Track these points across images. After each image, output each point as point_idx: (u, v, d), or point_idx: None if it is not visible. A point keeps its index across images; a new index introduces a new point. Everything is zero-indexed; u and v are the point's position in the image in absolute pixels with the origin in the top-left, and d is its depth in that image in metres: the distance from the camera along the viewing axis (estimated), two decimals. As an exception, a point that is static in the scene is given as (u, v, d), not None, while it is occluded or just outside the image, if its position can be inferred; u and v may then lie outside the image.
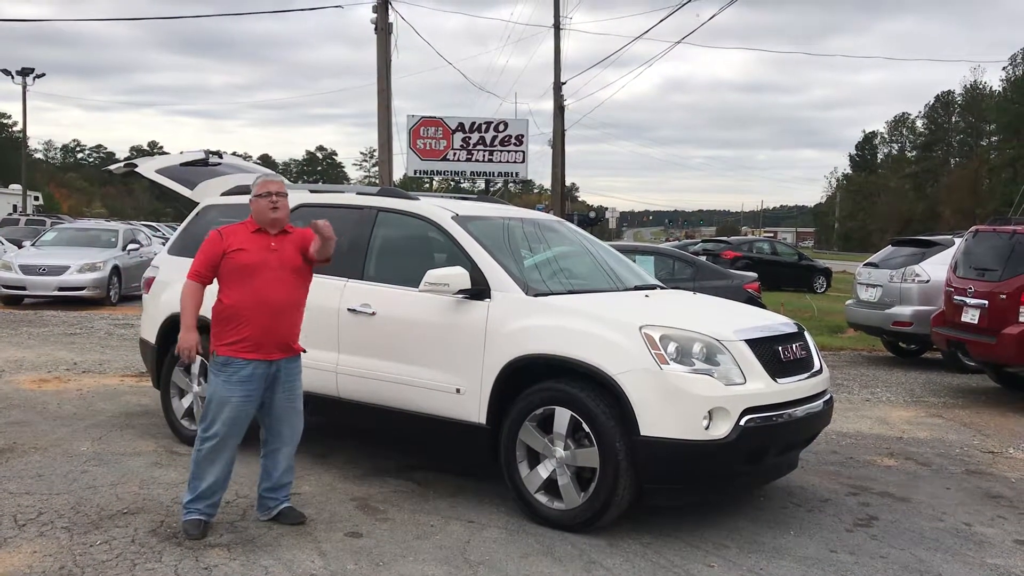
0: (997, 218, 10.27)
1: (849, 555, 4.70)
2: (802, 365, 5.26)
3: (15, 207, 44.47)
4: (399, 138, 25.73)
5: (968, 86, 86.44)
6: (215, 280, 4.70)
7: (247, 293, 4.60)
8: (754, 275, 12.36)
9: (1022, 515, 5.55)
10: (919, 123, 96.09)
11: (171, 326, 6.42)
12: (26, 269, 16.21)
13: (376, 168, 29.44)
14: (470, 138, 28.11)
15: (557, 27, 31.93)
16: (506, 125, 28.62)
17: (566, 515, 4.84)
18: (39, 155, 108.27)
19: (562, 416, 4.84)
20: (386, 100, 20.59)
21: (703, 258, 14.61)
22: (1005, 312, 8.78)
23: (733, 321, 5.24)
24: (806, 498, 5.69)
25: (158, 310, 6.68)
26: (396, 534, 4.75)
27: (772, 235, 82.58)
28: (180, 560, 4.27)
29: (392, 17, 20.34)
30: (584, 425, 4.75)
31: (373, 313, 5.61)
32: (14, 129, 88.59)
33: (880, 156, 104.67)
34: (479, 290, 5.24)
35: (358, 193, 6.49)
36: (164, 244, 9.74)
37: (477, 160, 28.30)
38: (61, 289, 16.19)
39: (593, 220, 42.95)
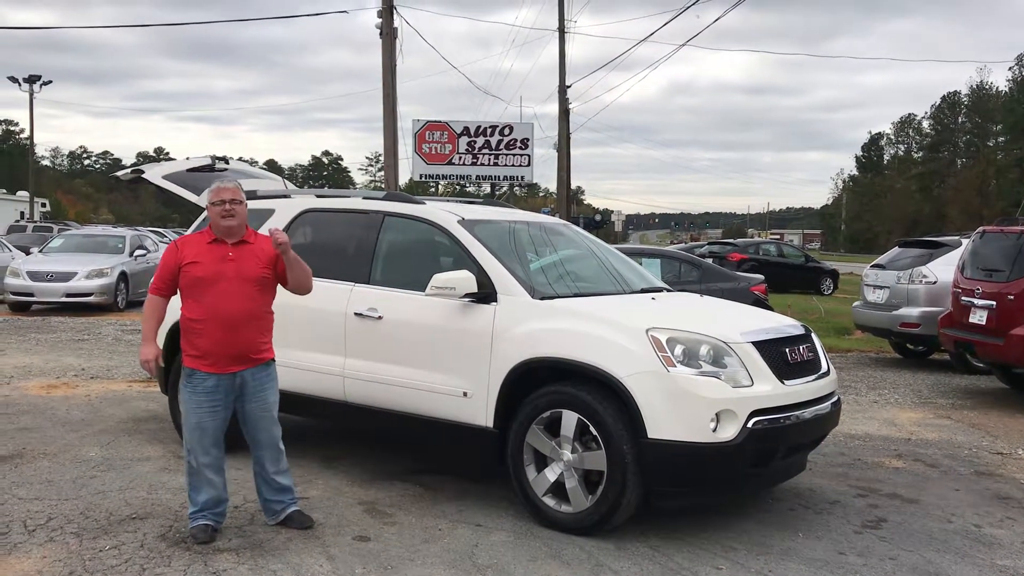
0: (1004, 219, 10.23)
1: (858, 557, 4.68)
2: (809, 367, 5.25)
3: (22, 214, 44.64)
4: (404, 142, 25.78)
5: (974, 87, 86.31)
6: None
7: (202, 307, 4.55)
8: (760, 277, 12.35)
9: (1032, 516, 5.52)
10: (925, 124, 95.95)
11: (178, 332, 6.41)
12: (34, 276, 16.28)
13: (381, 172, 29.46)
14: (475, 142, 28.14)
15: (562, 31, 31.94)
16: (511, 129, 28.66)
17: (574, 518, 4.83)
18: (46, 162, 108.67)
19: (569, 419, 4.83)
20: (391, 104, 20.62)
21: (709, 260, 14.60)
22: (1013, 313, 8.75)
23: (740, 323, 5.23)
24: (814, 500, 5.67)
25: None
26: (404, 538, 4.75)
27: (778, 237, 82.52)
28: (189, 565, 4.28)
29: (397, 22, 20.37)
30: (591, 428, 4.75)
31: (380, 317, 5.62)
32: (21, 136, 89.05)
33: (886, 157, 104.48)
34: (485, 294, 5.25)
35: (364, 198, 6.50)
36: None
37: (482, 164, 28.34)
38: (69, 295, 16.24)
39: (599, 223, 42.93)
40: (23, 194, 48.65)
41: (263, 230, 4.93)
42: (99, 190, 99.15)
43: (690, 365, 4.69)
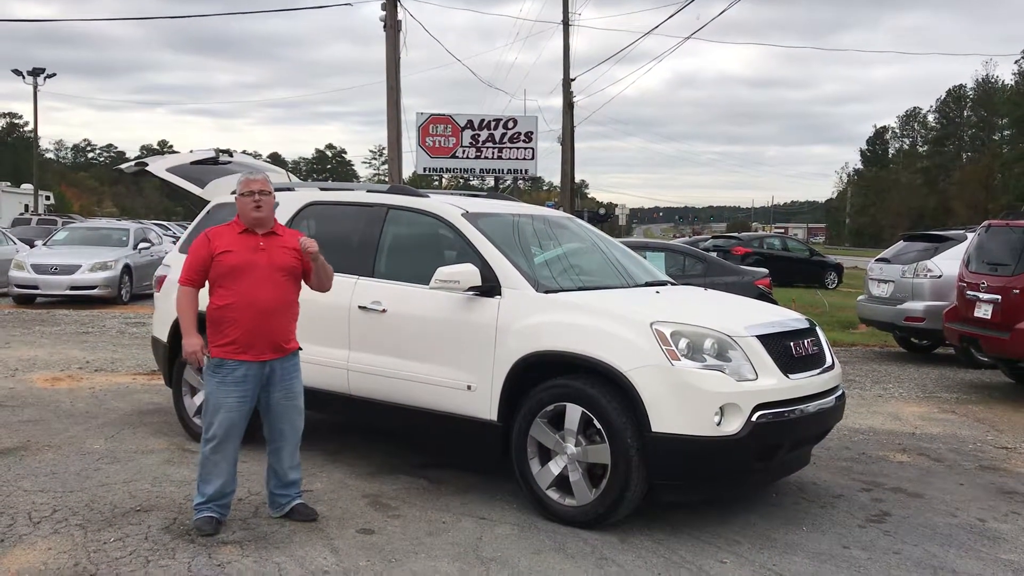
0: (1010, 212, 10.20)
1: (862, 551, 4.68)
2: (814, 361, 5.24)
3: (27, 207, 44.67)
4: (408, 136, 25.78)
5: (980, 80, 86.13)
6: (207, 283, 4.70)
7: (235, 294, 4.59)
8: (765, 271, 12.34)
9: (1036, 511, 5.52)
10: (931, 118, 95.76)
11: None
12: (38, 268, 16.30)
13: (385, 166, 29.47)
14: (479, 135, 28.10)
15: (566, 23, 31.87)
16: (515, 122, 28.60)
17: (578, 511, 4.84)
18: (50, 155, 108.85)
19: (573, 412, 4.83)
20: (395, 98, 20.60)
21: (714, 254, 14.58)
22: (1018, 307, 8.72)
23: (744, 317, 5.22)
24: (818, 494, 5.67)
25: (169, 308, 6.66)
26: (408, 531, 4.76)
27: (783, 231, 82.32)
28: (193, 557, 4.29)
29: (401, 14, 20.34)
30: (595, 421, 4.74)
31: (384, 310, 5.62)
32: (26, 129, 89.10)
33: (891, 151, 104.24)
34: (490, 287, 5.24)
35: (368, 191, 6.50)
36: (175, 243, 9.77)
37: (486, 157, 28.29)
38: (73, 288, 16.27)
39: (603, 217, 42.86)
40: (27, 187, 48.69)
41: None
42: (103, 183, 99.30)
43: (694, 359, 4.69)
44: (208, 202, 7.21)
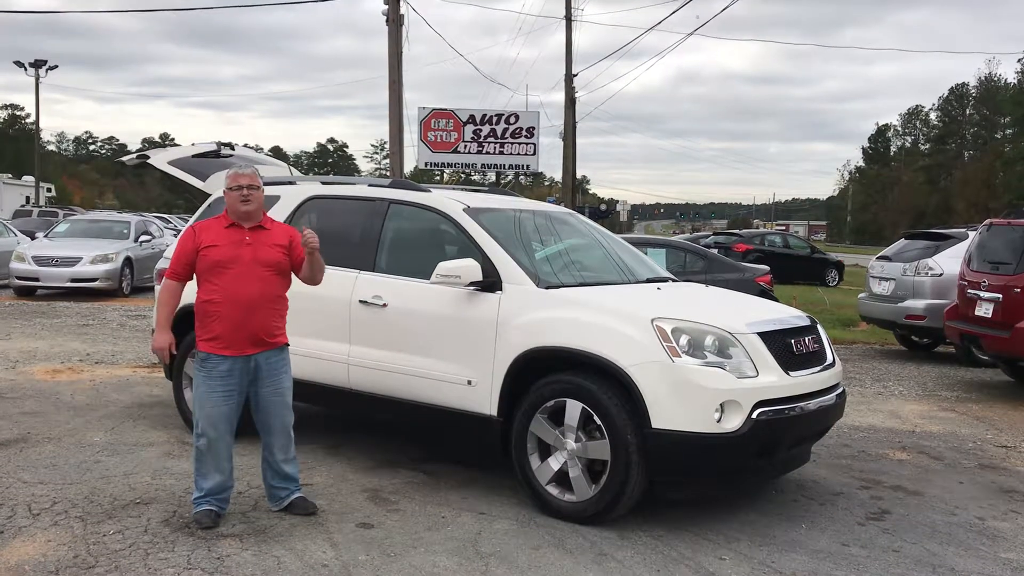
0: (1012, 211, 10.19)
1: (861, 549, 4.68)
2: (815, 358, 5.24)
3: (28, 199, 44.62)
4: (410, 130, 25.74)
5: (983, 78, 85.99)
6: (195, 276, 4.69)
7: (219, 289, 4.58)
8: (766, 268, 12.32)
9: (1036, 510, 5.52)
10: (933, 116, 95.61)
11: (183, 317, 6.43)
12: (39, 260, 16.30)
13: (387, 160, 29.44)
14: (481, 130, 28.06)
15: (569, 19, 31.84)
16: (517, 117, 28.56)
17: (577, 507, 4.84)
18: (52, 147, 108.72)
19: (573, 408, 4.83)
20: (397, 92, 20.58)
21: (715, 251, 14.57)
22: (1019, 306, 8.71)
23: (745, 314, 5.22)
24: (818, 492, 5.67)
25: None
26: (407, 525, 4.76)
27: (784, 228, 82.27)
28: (193, 550, 4.29)
29: (403, 9, 20.32)
30: (595, 417, 4.74)
31: (384, 305, 5.62)
32: (27, 121, 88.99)
33: (893, 149, 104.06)
34: (491, 282, 5.24)
35: (369, 185, 6.49)
36: (176, 236, 9.76)
37: (488, 152, 28.25)
38: (74, 280, 16.27)
39: (604, 213, 42.85)
40: (29, 179, 48.63)
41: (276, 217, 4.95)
42: (104, 175, 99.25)
43: (695, 355, 4.68)
44: (209, 195, 7.20)
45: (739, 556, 4.50)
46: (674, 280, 6.32)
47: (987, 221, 10.19)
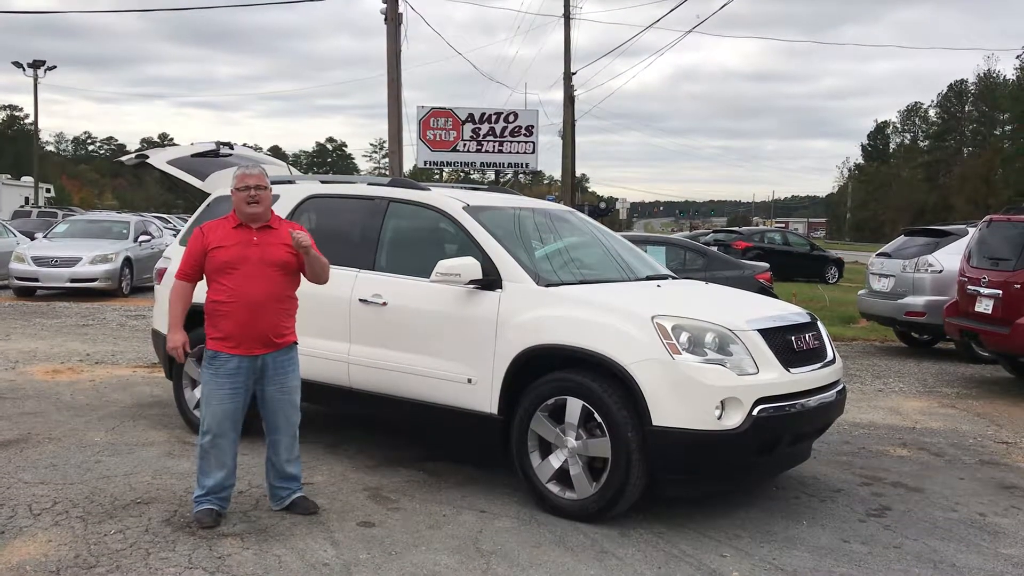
0: (1012, 207, 10.19)
1: (862, 545, 4.68)
2: (815, 355, 5.24)
3: (27, 199, 44.60)
4: (409, 129, 25.76)
5: (982, 75, 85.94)
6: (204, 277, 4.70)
7: (227, 289, 4.59)
8: (766, 265, 12.32)
9: (1036, 505, 5.52)
10: (932, 112, 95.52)
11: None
12: (39, 261, 16.30)
13: (386, 159, 29.43)
14: (480, 129, 28.06)
15: (567, 16, 31.81)
16: (516, 116, 28.57)
17: (578, 505, 4.84)
18: (50, 147, 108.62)
19: (574, 406, 4.83)
20: (396, 91, 20.56)
21: (715, 248, 14.56)
22: (1019, 302, 8.72)
23: (746, 311, 5.22)
24: (819, 488, 5.67)
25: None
26: (408, 524, 4.76)
27: (783, 225, 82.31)
28: (194, 549, 4.29)
29: (402, 7, 20.30)
30: (596, 415, 4.74)
31: (384, 303, 5.61)
32: (26, 121, 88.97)
33: (892, 146, 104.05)
34: (490, 280, 5.24)
35: (369, 184, 6.48)
36: (175, 235, 9.76)
37: (487, 151, 28.26)
38: (73, 281, 16.27)
39: (603, 211, 42.80)
40: (28, 179, 48.62)
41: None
42: (103, 175, 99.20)
43: (695, 353, 4.68)
44: (209, 195, 7.20)
45: (740, 553, 4.50)
46: (674, 277, 6.32)
47: (987, 217, 10.19)
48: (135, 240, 18.02)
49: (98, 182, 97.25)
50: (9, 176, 48.27)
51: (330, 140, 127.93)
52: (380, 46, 20.70)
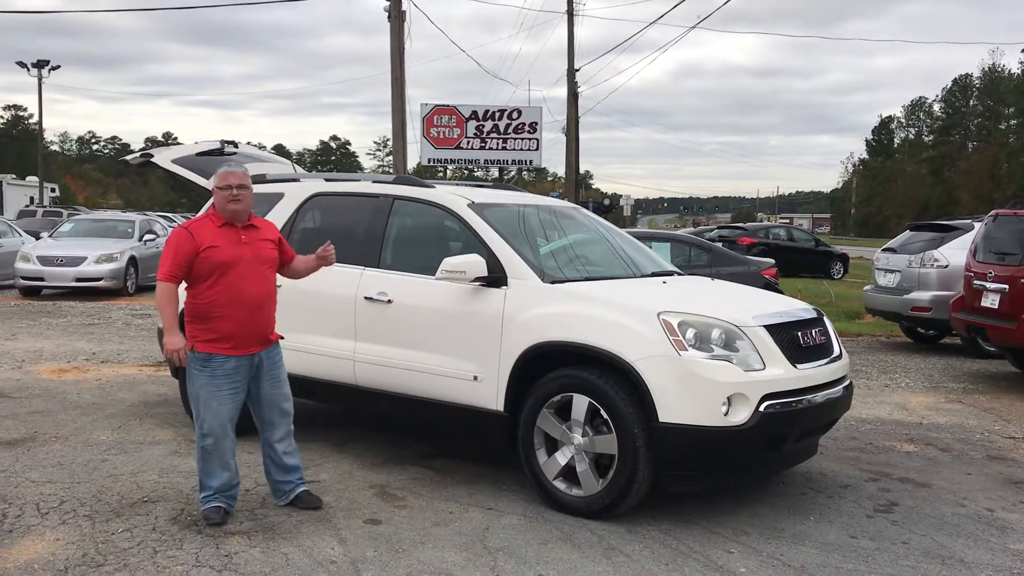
0: (1018, 202, 10.15)
1: (870, 541, 4.67)
2: (821, 351, 5.22)
3: (32, 199, 44.69)
4: (412, 126, 25.68)
5: (986, 69, 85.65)
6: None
7: (221, 289, 4.56)
8: (771, 261, 12.29)
9: (1044, 500, 5.50)
10: (936, 107, 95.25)
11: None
12: (44, 260, 16.33)
13: (390, 157, 29.43)
14: (484, 126, 28.02)
15: (571, 13, 31.80)
16: (520, 113, 28.52)
17: (585, 502, 4.83)
18: (55, 147, 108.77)
19: (580, 403, 4.82)
20: (400, 88, 20.54)
21: (719, 244, 14.55)
22: (1026, 296, 8.68)
23: (752, 307, 5.20)
24: (826, 484, 5.66)
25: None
26: (415, 521, 4.76)
27: (788, 221, 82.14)
28: (201, 548, 4.29)
29: (405, 4, 20.27)
30: (602, 412, 4.73)
31: (390, 301, 5.61)
32: (30, 121, 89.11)
33: (897, 141, 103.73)
34: (496, 277, 5.23)
35: (373, 181, 6.48)
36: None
37: (491, 148, 28.21)
38: (79, 280, 16.31)
39: (607, 207, 42.76)
40: (32, 179, 48.72)
41: (274, 219, 5.00)
42: (108, 175, 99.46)
43: (702, 349, 4.67)
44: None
45: (747, 549, 4.50)
46: (679, 274, 6.31)
47: (993, 212, 10.16)
48: (140, 239, 18.04)
49: (102, 181, 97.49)
50: (14, 176, 48.36)
51: (334, 138, 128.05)
52: (383, 44, 20.66)
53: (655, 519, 4.84)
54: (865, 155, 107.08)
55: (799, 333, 5.08)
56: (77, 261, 16.37)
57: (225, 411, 4.62)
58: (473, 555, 4.32)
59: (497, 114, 28.27)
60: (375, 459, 5.90)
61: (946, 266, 11.19)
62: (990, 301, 9.15)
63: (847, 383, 5.40)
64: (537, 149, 28.69)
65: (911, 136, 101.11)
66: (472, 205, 5.69)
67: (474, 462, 5.83)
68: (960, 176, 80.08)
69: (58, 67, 47.92)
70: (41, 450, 5.95)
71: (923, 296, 11.34)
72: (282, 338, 4.89)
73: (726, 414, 4.58)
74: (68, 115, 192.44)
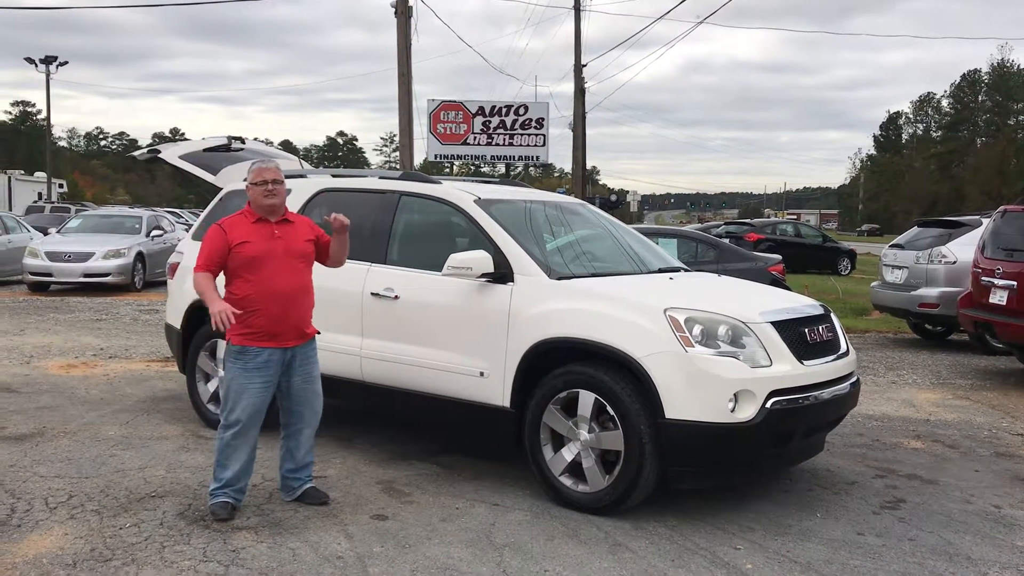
0: (1026, 197, 10.10)
1: (877, 537, 4.67)
2: (828, 347, 5.21)
3: (40, 195, 44.84)
4: (419, 123, 25.71)
5: (995, 64, 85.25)
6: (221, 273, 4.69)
7: (256, 284, 4.59)
8: (778, 257, 12.28)
9: (1052, 498, 5.48)
10: (945, 103, 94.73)
11: (196, 311, 6.46)
12: (52, 256, 16.39)
13: (396, 153, 29.44)
14: (490, 122, 28.02)
15: (577, 8, 31.72)
16: (526, 108, 28.51)
17: (591, 498, 4.83)
18: (63, 143, 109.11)
19: (586, 399, 4.82)
20: (407, 84, 20.54)
21: (726, 241, 14.52)
22: (1034, 293, 8.65)
23: (758, 303, 5.20)
24: (833, 481, 5.65)
25: (183, 295, 6.72)
26: (421, 517, 4.77)
27: (795, 217, 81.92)
28: (208, 543, 4.31)
29: (411, 0, 20.27)
30: (608, 408, 4.73)
31: (396, 297, 5.62)
32: (38, 117, 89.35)
33: (905, 137, 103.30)
34: (502, 274, 5.23)
35: (380, 177, 6.49)
36: (187, 230, 9.79)
37: (497, 144, 28.22)
38: (86, 275, 16.36)
39: (614, 203, 42.61)
40: (41, 175, 48.90)
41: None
42: (115, 171, 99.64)
43: (708, 345, 4.67)
44: (221, 189, 7.21)
45: (754, 546, 4.49)
46: (686, 270, 6.30)
47: (1001, 208, 10.11)
48: (147, 235, 18.10)
49: (110, 177, 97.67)
50: (22, 172, 48.54)
51: (340, 134, 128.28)
52: (390, 40, 20.67)
53: (661, 515, 4.85)
54: (873, 151, 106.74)
55: (806, 329, 5.07)
56: (85, 257, 16.42)
57: (256, 403, 4.65)
58: (479, 551, 4.32)
59: (504, 110, 28.27)
60: (382, 455, 5.91)
61: (954, 262, 11.14)
62: (998, 297, 9.12)
63: (854, 379, 5.39)
64: (544, 145, 28.69)
65: (919, 132, 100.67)
66: (479, 201, 5.69)
67: (480, 458, 5.84)
68: (969, 172, 79.71)
69: (66, 63, 48.05)
70: (49, 445, 5.98)
71: (931, 292, 11.29)
72: (319, 333, 4.89)
73: (733, 411, 4.58)
74: (76, 111, 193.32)
